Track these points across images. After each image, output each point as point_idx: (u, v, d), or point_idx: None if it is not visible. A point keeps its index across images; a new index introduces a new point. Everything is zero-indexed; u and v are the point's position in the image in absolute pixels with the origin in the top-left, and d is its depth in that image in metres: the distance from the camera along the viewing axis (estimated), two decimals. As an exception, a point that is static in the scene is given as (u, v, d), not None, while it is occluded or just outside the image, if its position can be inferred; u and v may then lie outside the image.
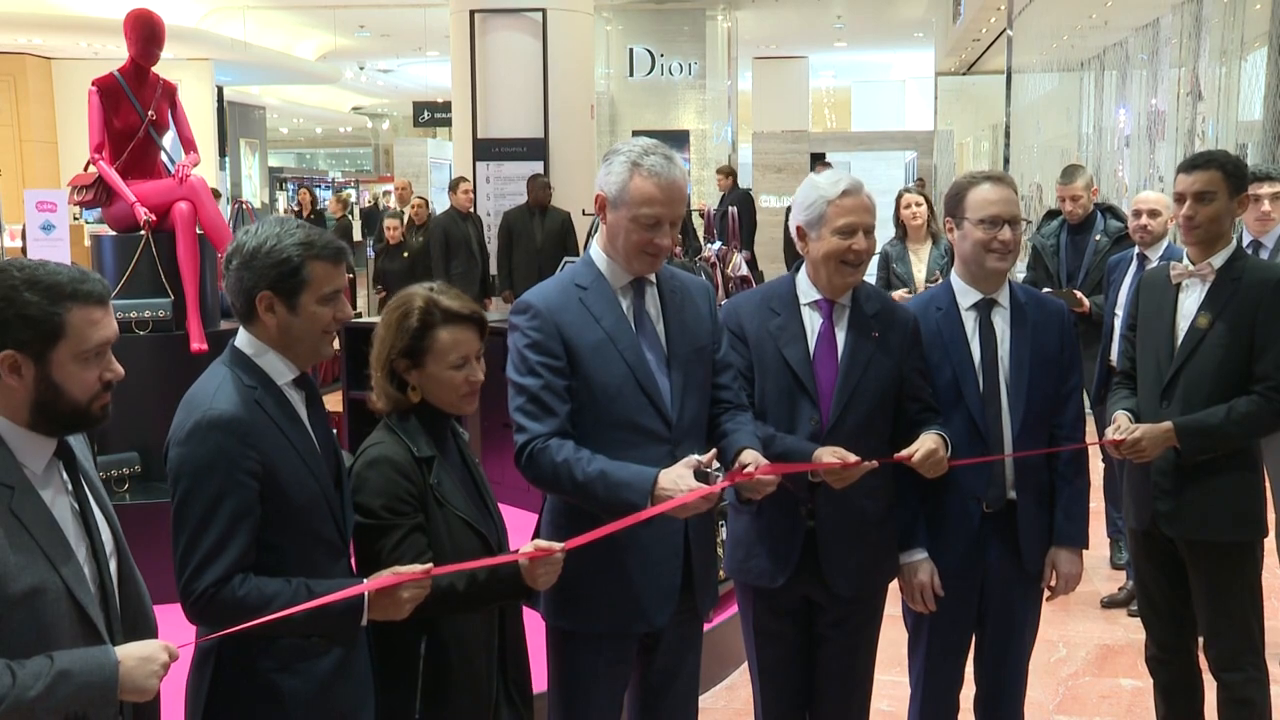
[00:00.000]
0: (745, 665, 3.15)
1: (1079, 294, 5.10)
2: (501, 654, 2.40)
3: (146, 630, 1.99)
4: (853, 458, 2.55)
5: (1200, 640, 3.18)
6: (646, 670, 2.67)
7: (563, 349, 2.47)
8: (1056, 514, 2.90)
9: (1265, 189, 4.25)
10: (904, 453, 2.67)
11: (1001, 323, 2.88)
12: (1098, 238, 5.26)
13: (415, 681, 2.27)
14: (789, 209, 2.93)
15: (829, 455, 2.58)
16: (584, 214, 9.25)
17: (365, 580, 2.11)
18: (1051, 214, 5.66)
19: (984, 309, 2.88)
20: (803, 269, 2.82)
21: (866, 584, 2.83)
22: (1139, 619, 3.46)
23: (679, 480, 2.32)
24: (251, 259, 2.13)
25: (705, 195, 15.16)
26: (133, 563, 2.01)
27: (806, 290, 2.79)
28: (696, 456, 2.36)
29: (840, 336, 2.75)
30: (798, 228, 2.77)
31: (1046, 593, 2.94)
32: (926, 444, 2.67)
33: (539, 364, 2.46)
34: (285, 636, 2.09)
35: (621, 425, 2.46)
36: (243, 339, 2.18)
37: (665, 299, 2.59)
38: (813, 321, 2.77)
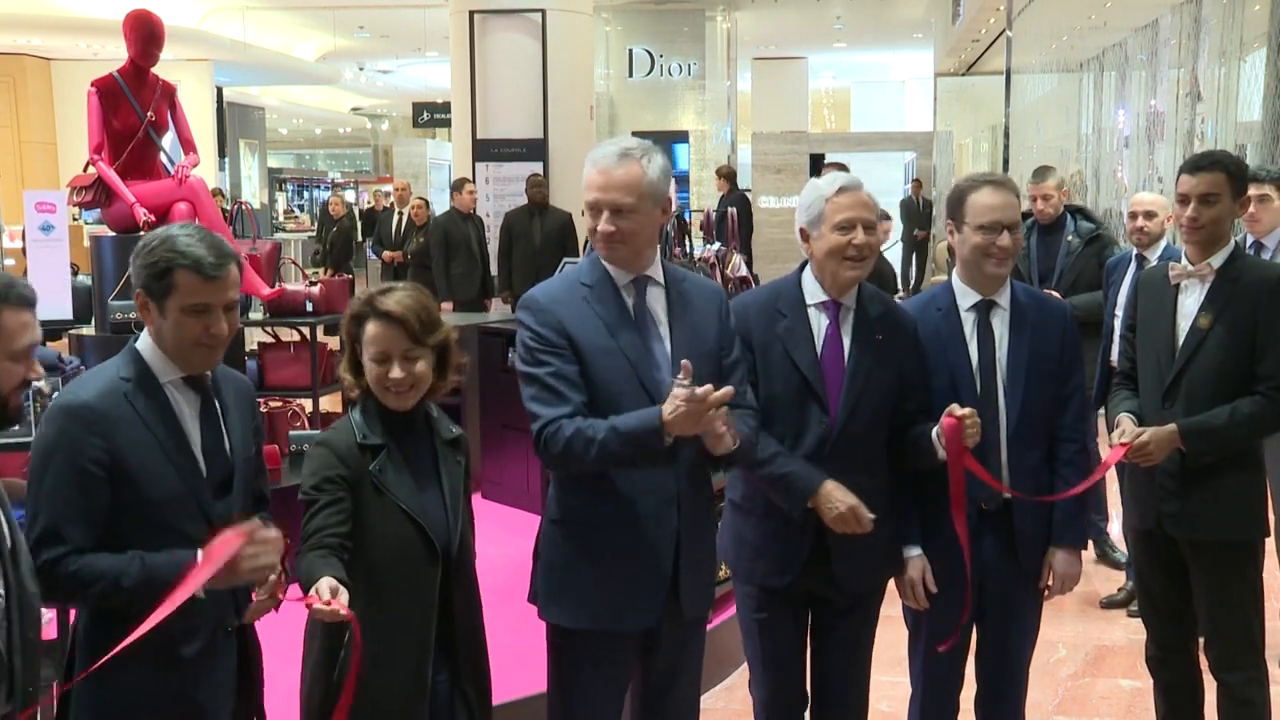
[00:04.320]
0: (745, 665, 3.15)
1: (1056, 294, 5.09)
2: (453, 654, 2.43)
3: (35, 637, 2.02)
4: (861, 510, 2.63)
5: (1200, 640, 3.18)
6: (647, 671, 2.67)
7: (567, 342, 2.48)
8: (1055, 514, 2.90)
9: (1251, 190, 4.24)
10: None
11: (1000, 324, 2.87)
12: (1070, 238, 5.27)
13: (335, 661, 2.32)
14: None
15: (839, 493, 2.64)
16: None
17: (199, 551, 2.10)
18: (1022, 215, 5.66)
19: (983, 310, 2.88)
20: (807, 269, 2.83)
21: (872, 580, 2.87)
22: (1138, 619, 3.47)
23: (672, 401, 2.32)
24: (137, 256, 2.21)
25: (705, 196, 15.17)
26: (25, 570, 2.01)
27: (813, 291, 2.80)
28: (676, 382, 2.34)
29: (846, 339, 2.77)
30: (801, 230, 2.79)
31: (1046, 592, 2.95)
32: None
33: (546, 351, 2.48)
34: (131, 609, 2.09)
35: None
36: (144, 331, 2.26)
37: (672, 300, 2.58)
38: (819, 323, 2.78)
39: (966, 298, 2.89)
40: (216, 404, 2.30)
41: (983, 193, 2.83)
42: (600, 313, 2.50)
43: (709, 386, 2.30)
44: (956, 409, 2.63)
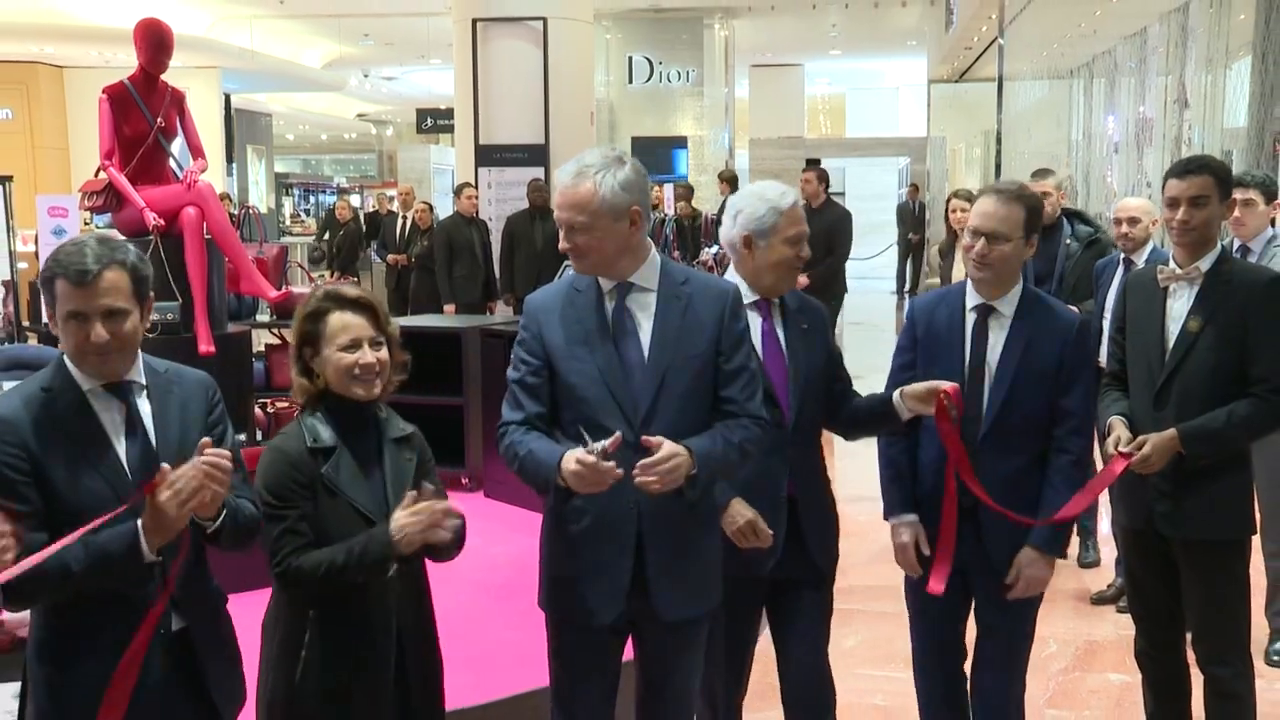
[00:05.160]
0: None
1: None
2: (399, 652, 2.42)
3: None
4: (759, 524, 2.75)
5: (1188, 635, 3.18)
6: (640, 664, 2.67)
7: (541, 348, 2.54)
8: (1039, 517, 2.83)
9: (1237, 195, 4.24)
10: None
11: (998, 330, 2.85)
12: (1068, 241, 5.26)
13: (299, 654, 2.34)
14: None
15: (740, 507, 2.74)
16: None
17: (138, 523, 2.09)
18: None
19: (983, 314, 2.87)
20: (729, 273, 2.90)
21: (835, 550, 2.99)
22: (1127, 615, 3.46)
23: (573, 460, 2.34)
24: None
25: (704, 201, 15.17)
26: None
27: (743, 293, 2.83)
28: (601, 443, 2.34)
29: (780, 333, 2.87)
30: (745, 238, 2.83)
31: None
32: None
33: (520, 359, 2.56)
34: (81, 595, 2.11)
35: (588, 425, 2.45)
36: None
37: (662, 304, 2.55)
38: (754, 323, 2.83)
39: (972, 299, 2.90)
40: (146, 408, 2.25)
41: (980, 199, 2.88)
42: (578, 319, 2.53)
43: (610, 465, 2.30)
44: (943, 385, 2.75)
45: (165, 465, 2.04)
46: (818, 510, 2.93)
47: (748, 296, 2.84)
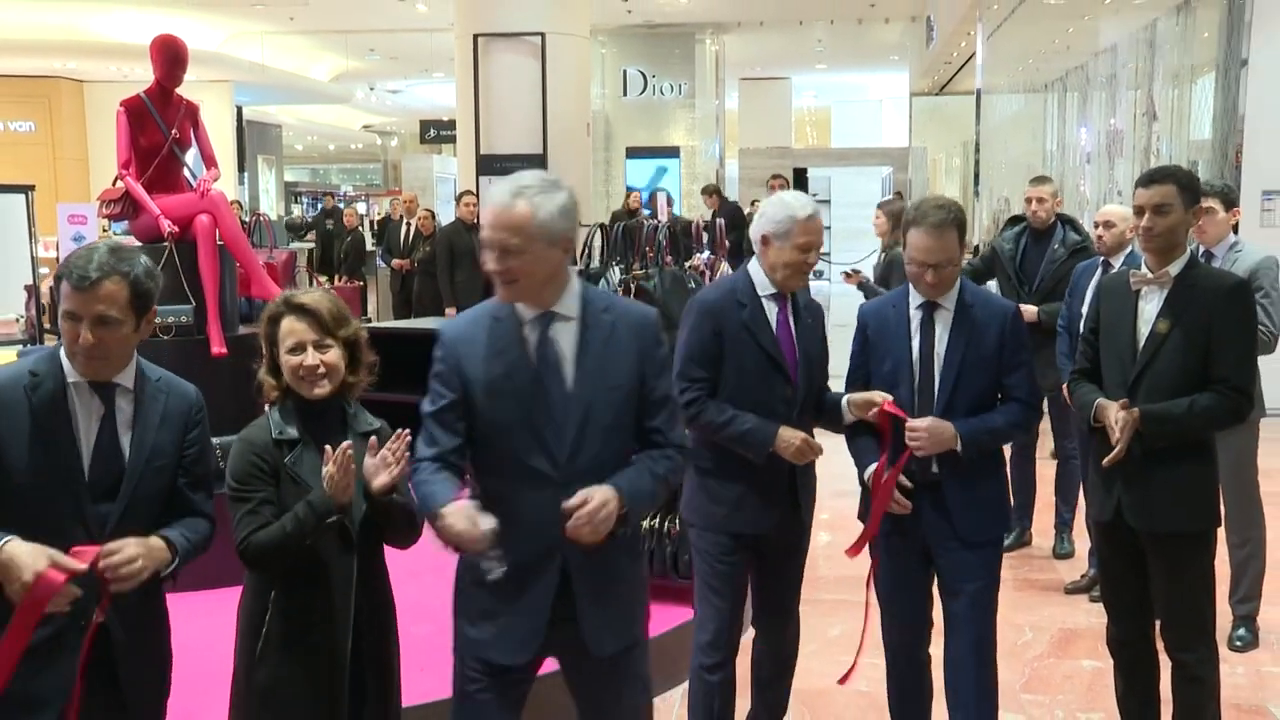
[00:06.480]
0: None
1: (1029, 308, 5.05)
2: (357, 635, 2.43)
3: None
4: (812, 439, 3.01)
5: (1157, 623, 3.19)
6: (583, 702, 2.50)
7: (459, 382, 2.35)
8: (974, 418, 2.95)
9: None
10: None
11: (942, 323, 3.01)
12: (1055, 247, 5.25)
13: (260, 633, 2.39)
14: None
15: (789, 433, 2.96)
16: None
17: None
18: (1014, 220, 5.64)
19: (928, 310, 3.03)
20: (754, 263, 3.09)
21: (812, 512, 3.21)
22: (1099, 604, 3.47)
23: (458, 519, 2.17)
24: None
25: (695, 208, 15.17)
26: None
27: (763, 284, 3.07)
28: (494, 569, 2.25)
29: (792, 323, 3.08)
30: (764, 236, 3.03)
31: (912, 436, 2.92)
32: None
33: (435, 394, 2.38)
34: None
35: (511, 463, 2.33)
36: None
37: (585, 334, 2.37)
38: (772, 311, 3.06)
39: (915, 299, 3.05)
40: (127, 411, 2.24)
41: (916, 234, 2.96)
42: (499, 350, 2.35)
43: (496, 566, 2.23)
44: (882, 399, 2.97)
45: (99, 548, 2.08)
46: (810, 477, 3.14)
47: (767, 289, 3.06)
